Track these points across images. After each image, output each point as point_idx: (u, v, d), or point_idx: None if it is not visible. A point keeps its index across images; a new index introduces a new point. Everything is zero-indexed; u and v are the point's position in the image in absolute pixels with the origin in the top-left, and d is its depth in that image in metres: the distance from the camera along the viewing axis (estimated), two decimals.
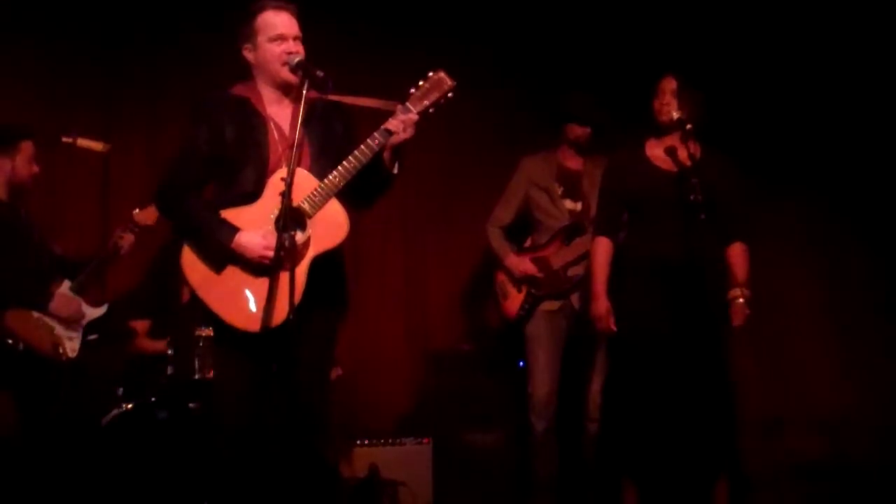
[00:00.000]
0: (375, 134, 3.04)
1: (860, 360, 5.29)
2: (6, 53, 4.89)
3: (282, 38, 3.09)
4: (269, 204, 3.01)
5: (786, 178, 5.40)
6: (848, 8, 5.22)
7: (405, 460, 4.66)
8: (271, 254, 2.92)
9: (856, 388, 5.25)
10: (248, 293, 3.02)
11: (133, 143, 4.99)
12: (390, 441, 4.72)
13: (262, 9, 3.14)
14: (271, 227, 2.97)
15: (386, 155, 3.09)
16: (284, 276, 2.91)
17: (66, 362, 3.88)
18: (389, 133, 3.03)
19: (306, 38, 3.13)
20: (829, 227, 5.45)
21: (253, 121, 3.12)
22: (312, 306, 2.92)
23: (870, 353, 5.29)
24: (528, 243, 4.65)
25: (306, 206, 2.98)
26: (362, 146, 3.03)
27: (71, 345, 3.92)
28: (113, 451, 4.01)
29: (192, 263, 3.07)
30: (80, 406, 4.12)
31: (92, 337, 4.08)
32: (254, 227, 3.01)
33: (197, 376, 4.23)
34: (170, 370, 4.32)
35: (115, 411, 4.06)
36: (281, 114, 3.16)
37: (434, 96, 3.07)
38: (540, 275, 4.47)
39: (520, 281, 4.51)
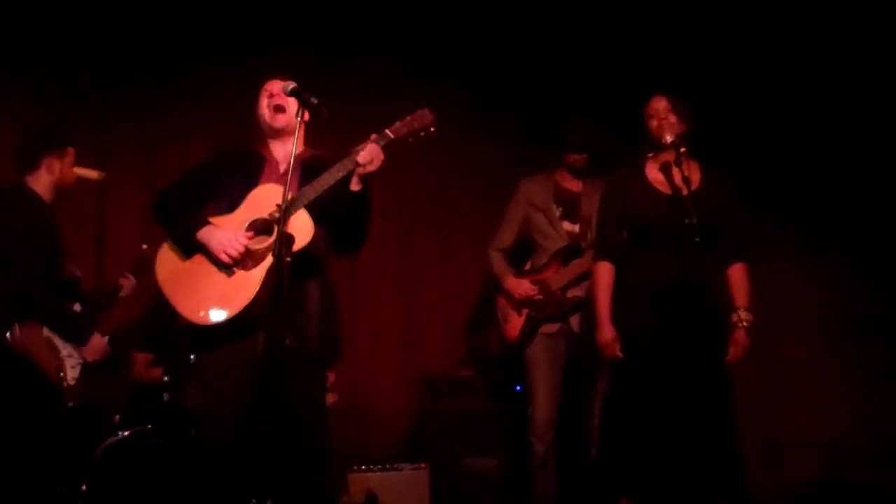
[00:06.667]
0: (350, 152, 3.25)
1: (858, 382, 5.29)
2: (5, 83, 4.92)
3: (265, 92, 3.52)
4: (243, 214, 3.28)
5: (780, 196, 5.42)
6: (842, 28, 5.26)
7: (403, 486, 4.65)
8: (232, 251, 3.17)
9: (854, 409, 5.24)
10: (206, 287, 3.20)
11: (129, 171, 5.00)
12: (387, 466, 4.70)
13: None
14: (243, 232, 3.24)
15: (353, 180, 3.28)
16: (247, 275, 3.17)
17: (66, 388, 3.84)
18: (358, 162, 3.23)
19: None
20: (826, 246, 5.46)
21: (253, 156, 3.46)
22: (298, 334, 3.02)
23: (868, 374, 5.29)
24: (527, 266, 4.64)
25: (276, 214, 3.16)
26: (335, 165, 3.24)
27: (72, 372, 3.88)
28: (110, 478, 3.99)
29: (164, 260, 3.31)
30: (78, 434, 4.10)
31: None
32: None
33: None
34: (166, 397, 4.31)
35: (111, 438, 4.04)
36: (281, 156, 3.46)
37: (414, 127, 3.33)
38: (539, 297, 4.46)
39: (520, 304, 4.52)
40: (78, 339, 3.92)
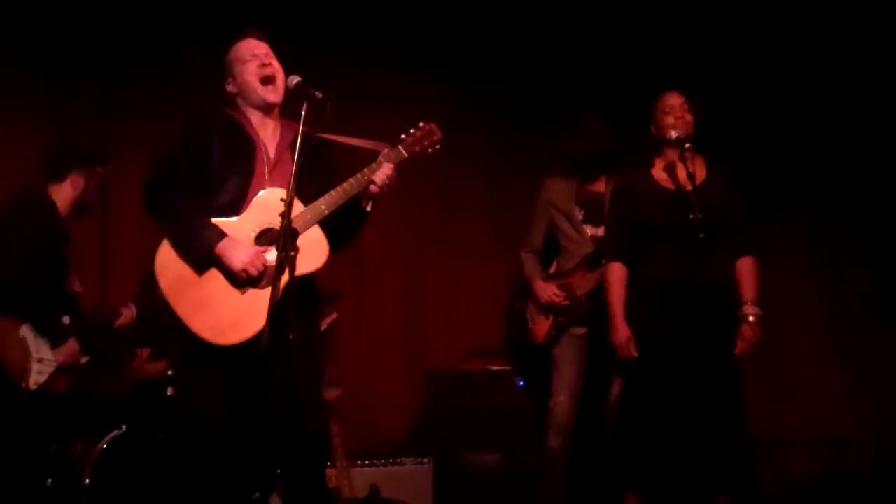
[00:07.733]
0: (365, 170, 3.12)
1: (862, 375, 5.30)
2: (6, 77, 4.91)
3: (253, 56, 3.21)
4: (249, 221, 3.07)
5: (786, 190, 5.42)
6: (852, 27, 5.26)
7: (406, 480, 4.65)
8: (254, 270, 2.97)
9: (856, 405, 5.25)
10: (220, 304, 3.00)
11: (132, 166, 4.99)
12: (391, 461, 4.71)
13: (231, 44, 3.28)
14: (250, 243, 3.04)
15: (365, 197, 3.16)
16: (260, 294, 2.96)
17: (24, 391, 3.80)
18: (372, 180, 3.11)
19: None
20: (831, 239, 5.48)
21: (241, 139, 3.19)
22: (288, 329, 2.85)
23: (872, 367, 5.29)
24: (553, 268, 4.62)
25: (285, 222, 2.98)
26: (351, 179, 3.10)
27: (35, 378, 3.83)
28: (113, 471, 3.99)
29: (166, 264, 3.05)
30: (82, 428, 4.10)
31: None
32: None
33: None
34: (169, 391, 4.31)
35: (114, 432, 4.04)
36: (268, 137, 3.23)
37: (423, 145, 3.23)
38: (565, 302, 4.45)
39: (545, 308, 4.52)
40: (52, 337, 3.91)
